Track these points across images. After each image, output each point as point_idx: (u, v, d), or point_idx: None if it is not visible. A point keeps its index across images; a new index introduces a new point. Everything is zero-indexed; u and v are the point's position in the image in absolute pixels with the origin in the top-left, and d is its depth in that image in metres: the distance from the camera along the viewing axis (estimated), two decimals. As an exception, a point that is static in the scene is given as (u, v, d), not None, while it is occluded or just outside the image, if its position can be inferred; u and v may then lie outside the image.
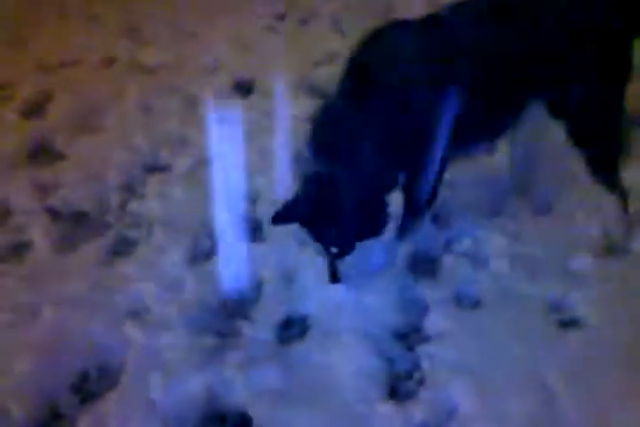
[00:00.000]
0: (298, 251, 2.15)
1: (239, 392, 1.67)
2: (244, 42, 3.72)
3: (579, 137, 1.83)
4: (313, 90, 3.13)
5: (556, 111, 1.82)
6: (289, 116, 2.86)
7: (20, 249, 2.34)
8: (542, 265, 1.94)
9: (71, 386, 1.76)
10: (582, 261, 1.94)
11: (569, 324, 1.80)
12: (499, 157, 2.36)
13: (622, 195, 1.91)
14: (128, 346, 1.85)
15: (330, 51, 3.39)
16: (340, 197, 1.66)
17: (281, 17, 4.03)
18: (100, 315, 1.96)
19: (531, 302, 1.85)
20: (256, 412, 1.63)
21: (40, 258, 2.28)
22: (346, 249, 1.81)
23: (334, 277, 1.88)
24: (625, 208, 1.92)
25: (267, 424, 1.61)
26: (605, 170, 1.88)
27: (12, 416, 1.65)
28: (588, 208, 2.11)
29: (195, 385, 1.70)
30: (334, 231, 1.73)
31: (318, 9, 3.96)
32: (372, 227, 1.78)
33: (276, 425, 1.61)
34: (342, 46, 3.40)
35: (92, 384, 1.77)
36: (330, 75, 3.12)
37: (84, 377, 1.79)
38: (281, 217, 1.78)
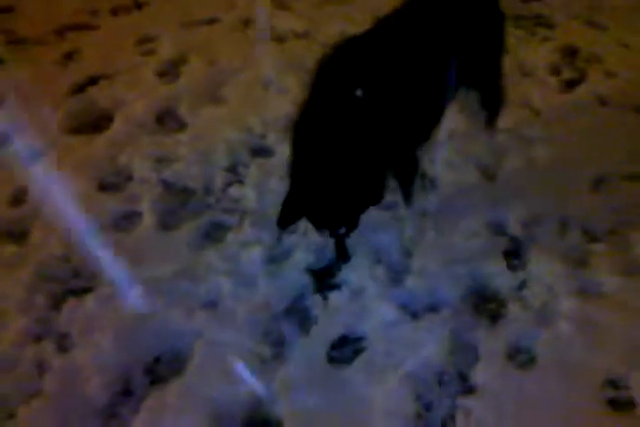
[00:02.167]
0: (370, 264, 2.22)
1: (281, 407, 1.82)
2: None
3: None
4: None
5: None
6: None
7: (130, 218, 2.60)
8: (610, 336, 1.85)
9: (144, 366, 2.00)
10: (655, 341, 1.82)
11: (621, 405, 1.73)
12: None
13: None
14: (198, 337, 2.06)
15: None
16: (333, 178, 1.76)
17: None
18: (181, 301, 2.18)
19: (586, 372, 1.79)
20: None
21: (145, 231, 2.52)
22: (353, 225, 1.88)
23: (344, 257, 2.02)
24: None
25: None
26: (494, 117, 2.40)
27: (89, 386, 1.93)
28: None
29: (245, 390, 1.87)
30: (337, 212, 1.81)
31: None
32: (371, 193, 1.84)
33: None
34: None
35: (162, 368, 2.00)
36: None
37: (157, 360, 2.03)
38: (286, 219, 1.85)
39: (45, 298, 2.23)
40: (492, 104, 2.34)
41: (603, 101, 2.82)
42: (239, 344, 2.01)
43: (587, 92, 2.88)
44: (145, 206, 2.63)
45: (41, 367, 1.99)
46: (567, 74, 3.03)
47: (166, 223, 2.56)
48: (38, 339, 2.09)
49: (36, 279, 2.30)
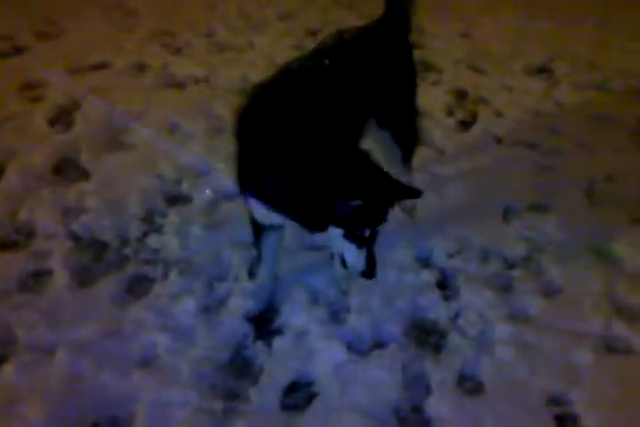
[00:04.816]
0: (309, 306, 2.22)
1: (240, 466, 1.74)
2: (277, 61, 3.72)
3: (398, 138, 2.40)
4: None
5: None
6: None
7: (40, 277, 2.40)
8: (546, 357, 1.99)
9: (82, 439, 1.83)
10: (584, 358, 1.99)
11: (566, 419, 1.85)
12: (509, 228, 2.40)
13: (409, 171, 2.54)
14: (138, 399, 1.92)
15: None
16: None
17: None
18: (112, 362, 2.03)
19: (531, 392, 1.90)
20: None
21: (59, 291, 2.33)
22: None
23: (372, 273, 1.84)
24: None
25: None
26: (410, 155, 2.51)
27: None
28: (596, 292, 2.17)
29: (199, 451, 1.77)
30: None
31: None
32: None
33: None
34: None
35: (102, 439, 1.84)
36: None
37: (95, 430, 1.86)
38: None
39: (-47, 373, 1.99)
40: (407, 143, 2.46)
41: (497, 139, 3.08)
42: (185, 402, 1.91)
43: (481, 131, 3.13)
44: (55, 263, 2.44)
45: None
46: (461, 115, 3.28)
47: (82, 280, 2.39)
48: (-50, 420, 1.85)
49: (-61, 353, 2.05)
